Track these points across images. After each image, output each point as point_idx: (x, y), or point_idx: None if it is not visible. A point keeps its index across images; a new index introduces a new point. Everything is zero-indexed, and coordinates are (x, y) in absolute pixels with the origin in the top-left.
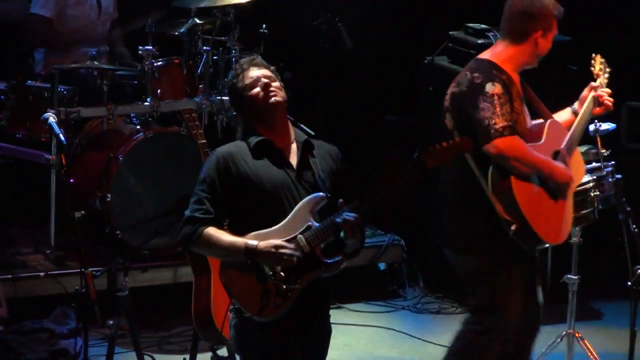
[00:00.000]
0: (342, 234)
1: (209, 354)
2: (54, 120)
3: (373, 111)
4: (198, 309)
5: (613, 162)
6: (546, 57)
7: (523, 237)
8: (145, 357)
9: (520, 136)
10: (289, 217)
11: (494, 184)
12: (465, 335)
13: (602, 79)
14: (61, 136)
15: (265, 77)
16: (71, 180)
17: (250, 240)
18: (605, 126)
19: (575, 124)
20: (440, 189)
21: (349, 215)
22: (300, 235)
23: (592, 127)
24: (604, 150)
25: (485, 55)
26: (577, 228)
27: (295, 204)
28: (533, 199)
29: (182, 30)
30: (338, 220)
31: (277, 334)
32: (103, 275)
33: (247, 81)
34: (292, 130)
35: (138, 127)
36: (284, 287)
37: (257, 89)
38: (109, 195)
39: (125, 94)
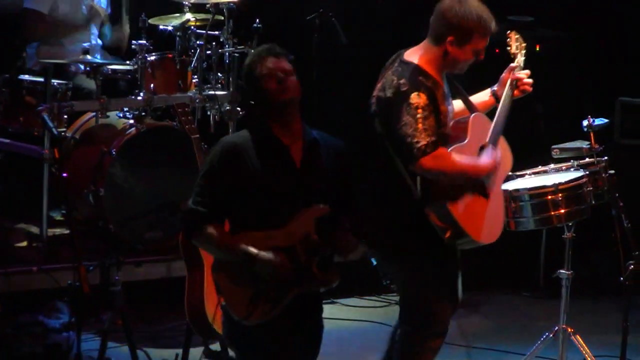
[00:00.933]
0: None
1: (202, 348)
2: (47, 114)
3: (367, 107)
4: (191, 303)
5: (606, 158)
6: (541, 53)
7: (457, 240)
8: (139, 351)
9: (445, 141)
10: (290, 223)
11: (425, 190)
12: (401, 336)
13: (520, 58)
14: (54, 130)
15: (283, 70)
16: (64, 175)
17: (251, 248)
18: (599, 122)
19: (497, 113)
20: (372, 179)
21: (344, 240)
22: (299, 246)
23: (585, 123)
24: (597, 146)
25: (410, 56)
26: (570, 223)
27: (296, 205)
28: (465, 203)
29: (175, 25)
30: (332, 241)
31: (270, 331)
32: (96, 269)
33: (264, 71)
34: (301, 126)
35: (131, 121)
36: (275, 295)
37: (272, 82)
38: (102, 190)
39: (119, 89)
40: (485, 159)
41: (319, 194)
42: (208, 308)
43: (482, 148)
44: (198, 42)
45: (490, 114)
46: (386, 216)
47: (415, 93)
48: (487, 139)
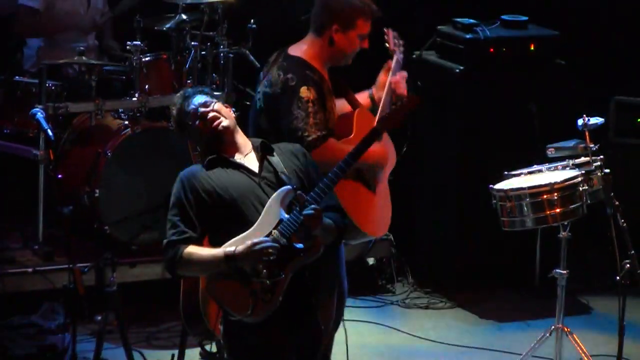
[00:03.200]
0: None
1: (198, 349)
2: (42, 115)
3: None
4: (186, 304)
5: (601, 157)
6: (535, 52)
7: (350, 235)
8: (134, 352)
9: (333, 135)
10: (261, 216)
11: None
12: None
13: (398, 55)
14: (49, 131)
15: (202, 106)
16: (59, 176)
17: (228, 248)
18: (594, 121)
19: (378, 115)
20: None
21: (309, 210)
22: (274, 230)
23: (580, 122)
24: (592, 145)
25: (295, 50)
26: (565, 223)
27: (265, 205)
28: (352, 195)
29: (170, 25)
30: (300, 217)
31: (268, 335)
32: (91, 270)
33: (187, 116)
34: (247, 141)
35: (126, 122)
36: (269, 282)
37: (198, 122)
38: (97, 191)
39: (114, 89)
40: (374, 147)
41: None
42: (203, 309)
43: None
44: (193, 42)
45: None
46: None
47: (305, 87)
48: None
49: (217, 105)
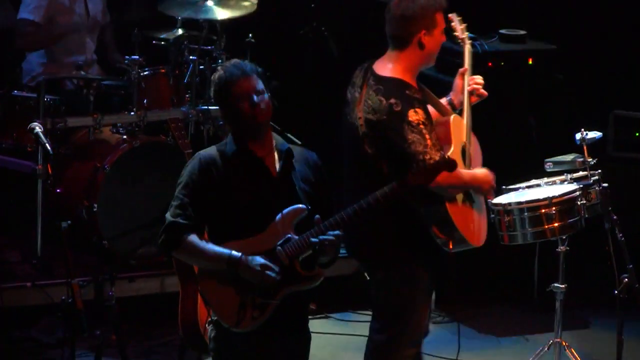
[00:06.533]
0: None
1: None
2: (40, 130)
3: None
4: (185, 318)
5: (599, 171)
6: (533, 66)
7: (458, 248)
8: None
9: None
10: (269, 227)
11: (424, 205)
12: (373, 343)
13: (468, 46)
14: (48, 146)
15: (256, 92)
16: (58, 190)
17: (235, 252)
18: (592, 135)
19: (465, 113)
20: (348, 198)
21: (327, 236)
22: (279, 247)
23: (578, 136)
24: (590, 159)
25: (384, 70)
26: (563, 237)
27: (275, 214)
28: (462, 213)
29: (168, 39)
30: (314, 240)
31: (258, 344)
32: (90, 285)
33: (237, 91)
34: (273, 138)
35: (125, 136)
36: (262, 300)
37: (246, 104)
38: (96, 205)
39: (112, 104)
40: (481, 171)
41: (297, 202)
42: (202, 323)
43: (462, 149)
44: (191, 57)
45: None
46: (375, 226)
47: (412, 110)
48: (464, 138)
49: (266, 98)
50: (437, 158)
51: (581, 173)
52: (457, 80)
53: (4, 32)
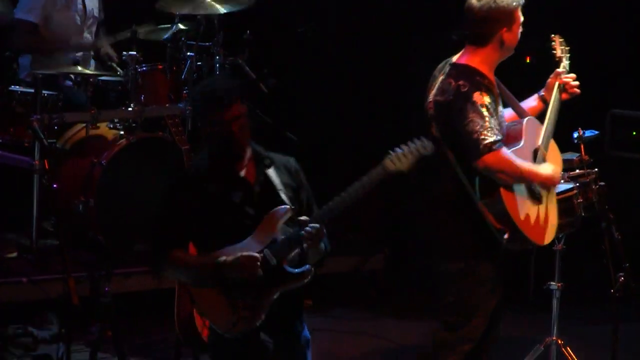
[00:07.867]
0: (304, 245)
1: None
2: (37, 125)
3: (357, 117)
4: (181, 315)
5: (596, 170)
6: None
7: (513, 242)
8: None
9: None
10: (255, 231)
11: (483, 193)
12: (435, 336)
13: (565, 62)
14: (44, 141)
15: (241, 114)
16: (54, 186)
17: (219, 258)
18: (589, 133)
19: (547, 116)
20: (417, 195)
21: (310, 228)
22: (266, 249)
23: (575, 134)
24: (587, 158)
25: (462, 60)
26: (560, 235)
27: (258, 220)
28: (521, 205)
29: (166, 36)
30: (301, 233)
31: (254, 346)
32: (86, 280)
33: (214, 119)
34: (248, 147)
35: (121, 132)
36: (252, 301)
37: (233, 128)
38: (92, 201)
39: (109, 100)
40: (547, 169)
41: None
42: (198, 320)
43: (535, 151)
44: (189, 53)
45: (539, 118)
46: (442, 219)
47: (478, 92)
48: (540, 142)
49: (244, 117)
50: (491, 139)
51: (578, 172)
52: (551, 79)
53: (1, 28)
